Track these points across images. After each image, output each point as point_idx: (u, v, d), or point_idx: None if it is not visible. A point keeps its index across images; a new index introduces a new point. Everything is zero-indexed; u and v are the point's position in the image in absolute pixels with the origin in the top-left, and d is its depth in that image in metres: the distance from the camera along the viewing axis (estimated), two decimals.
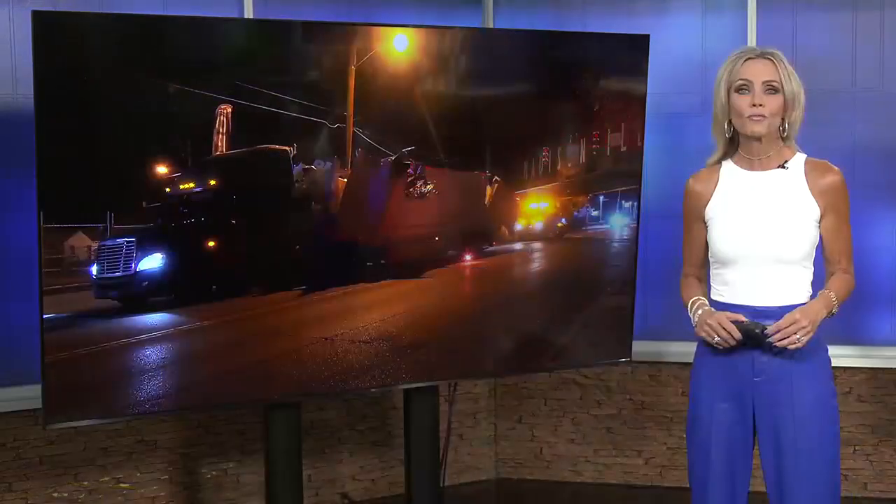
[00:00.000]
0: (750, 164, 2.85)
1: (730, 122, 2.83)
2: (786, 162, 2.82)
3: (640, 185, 3.96)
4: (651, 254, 4.60)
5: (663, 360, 4.71)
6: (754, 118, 2.76)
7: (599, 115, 3.85)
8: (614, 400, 4.82)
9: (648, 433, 4.79)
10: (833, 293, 2.77)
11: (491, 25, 4.76)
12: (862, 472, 4.57)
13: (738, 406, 2.83)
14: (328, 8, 4.45)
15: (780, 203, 2.79)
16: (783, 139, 2.82)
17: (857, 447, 4.57)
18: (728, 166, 2.89)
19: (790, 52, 4.46)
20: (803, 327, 2.68)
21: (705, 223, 2.91)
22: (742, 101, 2.77)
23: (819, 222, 2.80)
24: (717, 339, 2.77)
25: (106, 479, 4.15)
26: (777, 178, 2.82)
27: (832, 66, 4.53)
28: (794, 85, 2.78)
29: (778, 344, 2.70)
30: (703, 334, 2.80)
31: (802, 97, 2.80)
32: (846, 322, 4.46)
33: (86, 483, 4.10)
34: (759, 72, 2.77)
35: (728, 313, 2.78)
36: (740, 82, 2.78)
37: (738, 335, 2.74)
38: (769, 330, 2.71)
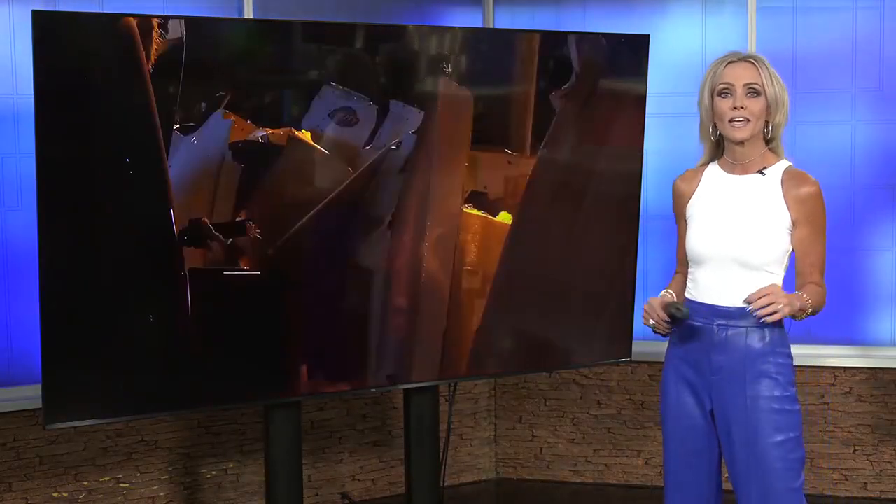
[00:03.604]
0: (732, 168, 2.87)
1: (714, 125, 2.85)
2: (765, 168, 2.82)
3: (640, 186, 3.96)
4: (651, 254, 4.61)
5: (663, 360, 4.69)
6: (735, 121, 2.77)
7: (599, 115, 3.84)
8: (614, 400, 4.82)
9: (648, 433, 4.79)
10: (805, 294, 2.71)
11: (491, 25, 4.76)
12: (862, 472, 4.57)
13: (701, 402, 2.87)
14: (328, 8, 4.45)
15: (752, 208, 2.80)
16: (766, 142, 2.83)
17: (857, 447, 4.57)
18: (713, 168, 2.92)
19: (790, 52, 4.51)
20: (775, 301, 2.61)
21: (686, 222, 2.94)
22: (724, 105, 2.79)
23: (791, 232, 2.79)
24: (651, 321, 2.85)
25: (106, 479, 4.15)
26: (754, 183, 2.83)
27: (832, 66, 4.54)
28: (776, 88, 2.79)
29: (758, 313, 2.64)
30: (644, 320, 2.88)
31: (786, 100, 2.81)
32: (846, 322, 4.46)
33: (86, 483, 4.10)
34: (740, 75, 2.78)
35: (661, 298, 2.86)
36: (722, 86, 2.80)
37: (664, 316, 2.81)
38: (751, 296, 2.67)
